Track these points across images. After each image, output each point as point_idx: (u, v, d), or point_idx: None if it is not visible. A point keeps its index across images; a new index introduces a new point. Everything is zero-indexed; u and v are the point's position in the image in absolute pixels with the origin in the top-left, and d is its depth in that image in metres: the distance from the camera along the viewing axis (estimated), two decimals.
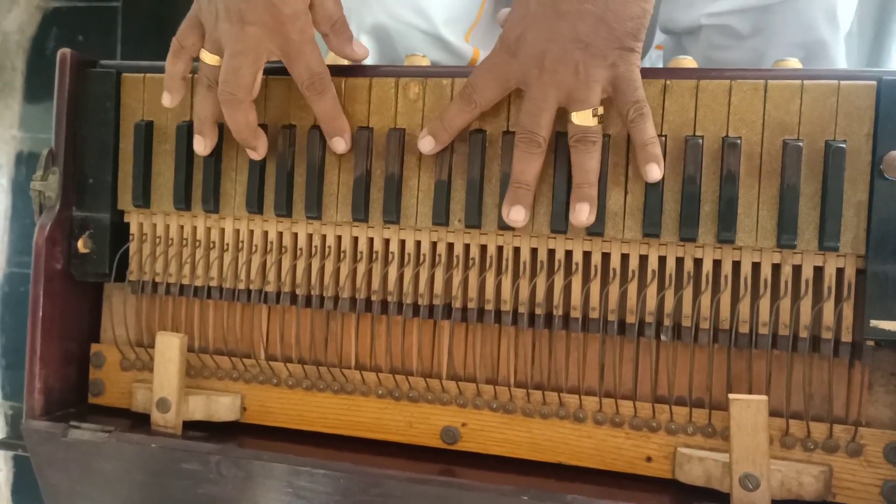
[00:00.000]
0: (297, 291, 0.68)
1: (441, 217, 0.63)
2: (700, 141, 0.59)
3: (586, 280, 0.62)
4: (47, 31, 1.66)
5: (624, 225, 0.60)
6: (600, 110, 0.58)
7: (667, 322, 0.61)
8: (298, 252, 0.68)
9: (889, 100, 0.56)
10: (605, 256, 0.62)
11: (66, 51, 0.71)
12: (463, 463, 0.64)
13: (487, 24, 0.85)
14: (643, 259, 0.61)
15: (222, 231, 0.70)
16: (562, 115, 0.59)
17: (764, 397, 0.57)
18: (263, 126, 0.67)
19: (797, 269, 0.59)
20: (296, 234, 0.69)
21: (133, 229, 0.73)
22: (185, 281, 0.71)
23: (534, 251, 0.63)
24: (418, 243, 0.66)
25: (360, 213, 0.65)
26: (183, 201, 0.70)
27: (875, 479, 0.58)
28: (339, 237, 0.67)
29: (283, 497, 0.63)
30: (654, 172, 0.58)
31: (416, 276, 0.66)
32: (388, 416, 0.67)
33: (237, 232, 0.70)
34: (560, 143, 0.60)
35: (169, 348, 0.68)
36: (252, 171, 0.68)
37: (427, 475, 0.61)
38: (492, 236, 0.64)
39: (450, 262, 0.65)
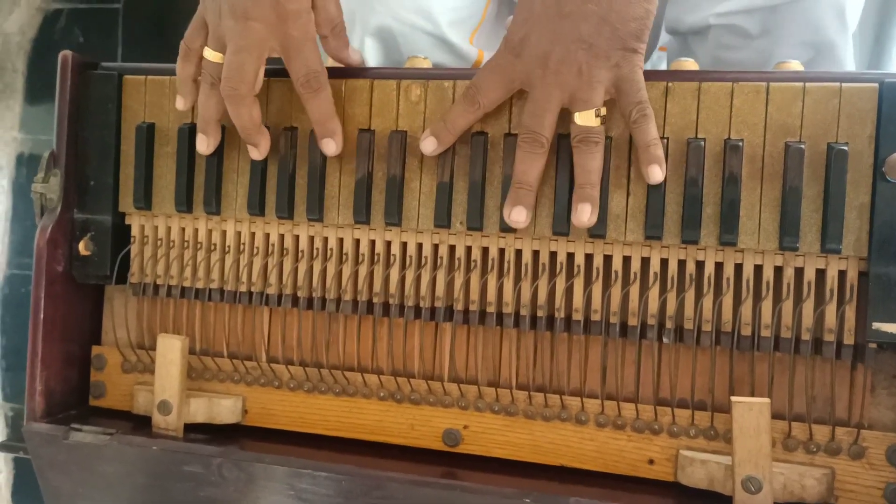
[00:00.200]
0: (299, 294, 0.68)
1: (443, 219, 0.63)
2: (702, 143, 0.59)
3: (588, 282, 0.62)
4: (48, 33, 1.66)
5: (626, 227, 0.60)
6: (603, 111, 0.58)
7: (669, 324, 0.61)
8: (300, 254, 0.68)
9: (891, 102, 0.56)
10: (607, 259, 0.62)
11: (68, 53, 0.71)
12: (465, 465, 0.64)
13: (492, 26, 0.85)
14: (645, 261, 0.61)
15: (224, 233, 0.70)
16: (564, 116, 0.59)
17: (766, 400, 0.56)
18: (266, 127, 0.67)
19: (799, 272, 0.59)
20: (297, 237, 0.69)
21: (134, 231, 0.73)
22: (187, 283, 0.71)
23: (535, 253, 0.63)
24: (420, 245, 0.66)
25: (362, 215, 0.65)
26: (184, 203, 0.70)
27: (877, 481, 0.58)
28: (341, 239, 0.67)
29: (285, 499, 0.63)
30: (657, 174, 0.58)
31: (418, 279, 0.66)
32: (390, 419, 0.67)
33: (238, 234, 0.70)
34: (562, 145, 0.60)
35: (170, 350, 0.68)
36: (253, 174, 0.68)
37: (429, 478, 0.61)
38: (493, 238, 0.64)
39: (451, 265, 0.65)
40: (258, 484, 0.63)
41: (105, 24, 1.62)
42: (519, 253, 0.63)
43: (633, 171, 0.60)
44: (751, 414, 0.56)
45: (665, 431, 0.61)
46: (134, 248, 0.72)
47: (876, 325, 0.56)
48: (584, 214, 0.58)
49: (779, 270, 0.59)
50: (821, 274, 0.58)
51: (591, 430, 0.63)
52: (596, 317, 0.62)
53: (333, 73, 0.67)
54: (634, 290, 0.61)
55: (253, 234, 0.70)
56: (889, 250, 0.56)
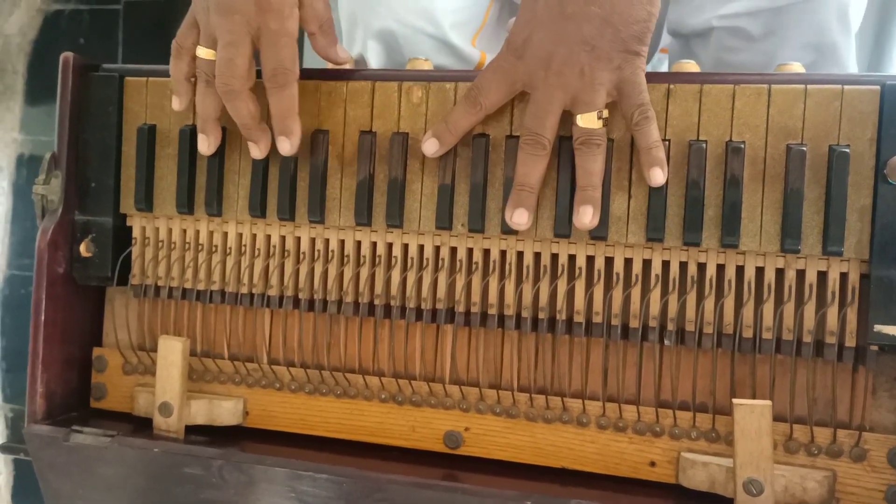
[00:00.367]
0: (300, 295, 0.68)
1: (444, 221, 0.63)
2: (703, 145, 0.59)
3: (589, 284, 0.62)
4: (48, 34, 1.66)
5: (627, 229, 0.60)
6: (605, 113, 0.58)
7: (670, 326, 0.60)
8: (301, 256, 0.68)
9: (893, 105, 0.56)
10: (609, 261, 0.62)
11: (69, 55, 0.71)
12: (466, 468, 0.64)
13: (494, 28, 0.85)
14: (647, 263, 0.61)
15: (225, 235, 0.70)
16: (566, 119, 0.59)
17: (768, 402, 0.56)
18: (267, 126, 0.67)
19: (801, 274, 0.59)
20: (298, 238, 0.69)
21: (135, 233, 0.73)
22: (188, 285, 0.71)
23: (537, 255, 0.63)
24: (421, 247, 0.66)
25: (363, 217, 0.65)
26: (185, 205, 0.70)
27: (879, 484, 0.58)
28: (342, 241, 0.67)
29: (286, 502, 0.63)
30: (658, 176, 0.58)
31: (419, 281, 0.66)
32: (391, 421, 0.67)
33: (240, 236, 0.70)
34: (563, 147, 0.60)
35: (171, 352, 0.68)
36: (255, 175, 0.68)
37: (430, 480, 0.61)
38: (495, 240, 0.64)
39: (453, 267, 0.65)
40: (259, 486, 0.63)
41: (105, 25, 1.63)
42: (520, 255, 0.63)
43: (634, 173, 0.60)
44: (752, 416, 0.56)
45: (666, 433, 0.61)
46: (135, 250, 0.72)
47: (877, 328, 0.56)
48: (586, 216, 0.58)
49: (780, 273, 0.59)
50: (822, 276, 0.58)
51: (593, 432, 0.63)
52: (597, 319, 0.62)
53: (335, 74, 0.67)
54: (636, 293, 0.61)
55: (254, 236, 0.69)
56: (890, 253, 0.56)
